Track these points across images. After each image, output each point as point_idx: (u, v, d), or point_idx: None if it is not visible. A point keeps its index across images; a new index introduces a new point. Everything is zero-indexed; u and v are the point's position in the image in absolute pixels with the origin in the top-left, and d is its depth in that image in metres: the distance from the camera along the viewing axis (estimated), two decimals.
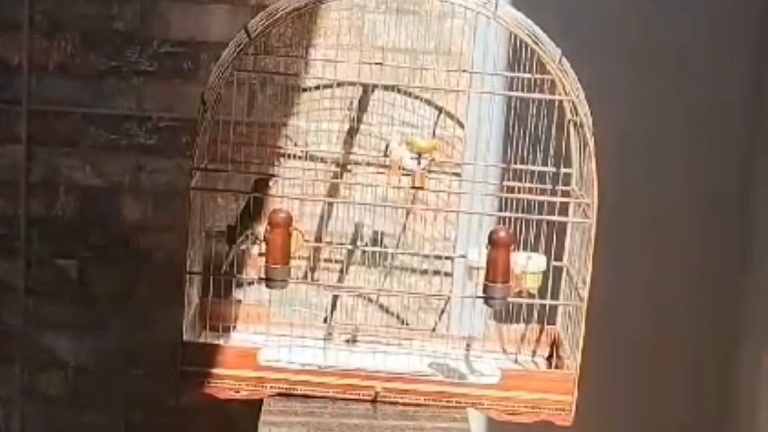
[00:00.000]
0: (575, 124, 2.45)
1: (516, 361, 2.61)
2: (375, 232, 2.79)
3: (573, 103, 2.40)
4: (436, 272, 2.83)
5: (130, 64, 2.80)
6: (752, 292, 2.96)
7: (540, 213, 2.43)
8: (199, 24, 2.78)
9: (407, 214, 2.80)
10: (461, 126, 2.81)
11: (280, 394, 2.41)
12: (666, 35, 2.93)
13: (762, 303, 2.91)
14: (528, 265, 2.41)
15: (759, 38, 2.94)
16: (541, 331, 2.63)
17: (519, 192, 2.53)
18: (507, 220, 2.43)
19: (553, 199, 2.47)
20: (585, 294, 2.38)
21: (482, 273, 2.33)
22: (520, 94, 2.49)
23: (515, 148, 2.61)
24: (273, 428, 2.31)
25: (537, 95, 2.45)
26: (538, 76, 2.42)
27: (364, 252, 2.78)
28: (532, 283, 2.43)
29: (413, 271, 2.81)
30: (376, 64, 2.64)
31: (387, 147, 2.60)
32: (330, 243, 2.80)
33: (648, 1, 2.94)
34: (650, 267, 3.01)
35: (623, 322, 2.98)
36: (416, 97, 2.77)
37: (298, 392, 2.40)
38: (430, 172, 2.44)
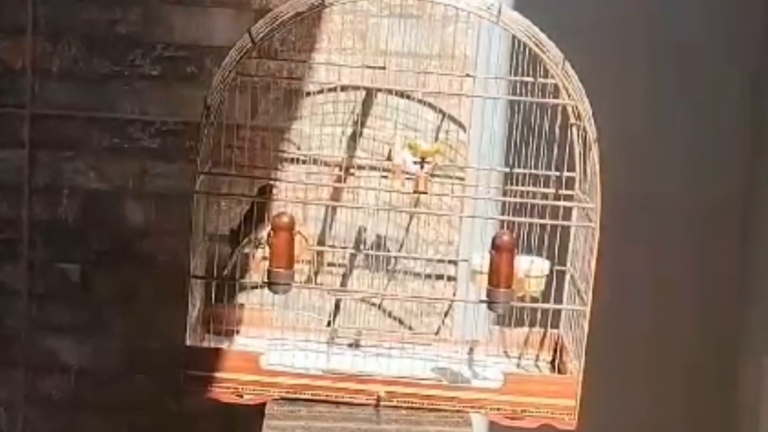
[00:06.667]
0: (578, 128, 2.44)
1: (519, 365, 2.61)
2: (378, 236, 2.78)
3: (576, 106, 2.39)
4: (439, 276, 2.83)
5: (133, 68, 2.81)
6: (754, 294, 2.96)
7: (543, 217, 2.43)
8: (202, 28, 2.78)
9: (410, 218, 2.80)
10: (464, 130, 2.81)
11: (283, 398, 2.41)
12: (668, 36, 2.93)
13: (764, 305, 2.90)
14: (531, 269, 2.42)
15: (760, 39, 2.94)
16: (544, 335, 2.63)
17: (522, 196, 2.53)
18: (510, 224, 2.43)
19: (557, 203, 2.46)
20: (588, 298, 2.38)
21: (485, 277, 2.33)
22: (523, 98, 2.49)
23: (518, 151, 2.61)
24: None
25: (540, 99, 2.45)
26: (541, 80, 2.43)
27: (367, 256, 2.78)
28: (535, 287, 2.43)
29: (416, 275, 2.81)
30: (379, 68, 2.64)
31: (390, 151, 2.60)
32: (333, 247, 2.80)
33: (650, 2, 2.94)
34: (652, 269, 3.01)
35: (625, 324, 2.97)
36: (419, 101, 2.77)
37: (301, 396, 2.40)
38: (433, 176, 2.44)
